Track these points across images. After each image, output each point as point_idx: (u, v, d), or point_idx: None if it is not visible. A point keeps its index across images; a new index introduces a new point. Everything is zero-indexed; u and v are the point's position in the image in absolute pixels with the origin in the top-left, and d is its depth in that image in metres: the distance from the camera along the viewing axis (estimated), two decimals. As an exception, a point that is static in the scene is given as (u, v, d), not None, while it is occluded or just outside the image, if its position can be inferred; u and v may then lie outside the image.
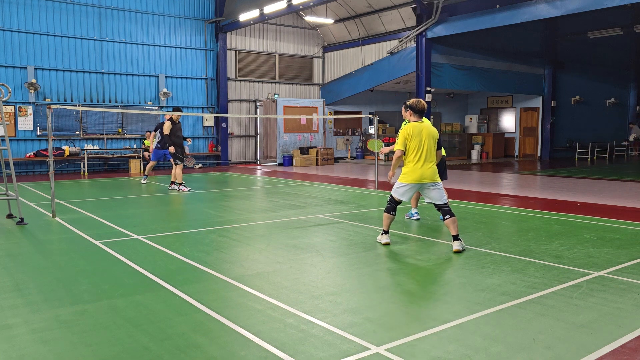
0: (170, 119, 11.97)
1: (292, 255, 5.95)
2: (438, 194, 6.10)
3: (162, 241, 6.61)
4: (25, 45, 16.59)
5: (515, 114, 24.09)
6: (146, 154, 17.91)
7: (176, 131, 11.97)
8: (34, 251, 6.30)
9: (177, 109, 12.21)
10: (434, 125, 6.65)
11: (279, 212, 8.83)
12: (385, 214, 6.31)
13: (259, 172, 17.62)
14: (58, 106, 10.29)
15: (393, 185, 6.35)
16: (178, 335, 3.63)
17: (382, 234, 6.43)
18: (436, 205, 6.16)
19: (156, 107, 19.02)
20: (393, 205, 6.29)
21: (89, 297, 4.46)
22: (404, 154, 6.14)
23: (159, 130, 13.17)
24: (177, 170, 11.94)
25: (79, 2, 17.41)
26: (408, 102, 6.28)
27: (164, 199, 10.92)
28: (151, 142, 13.78)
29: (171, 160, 12.15)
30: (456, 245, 5.97)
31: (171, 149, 11.86)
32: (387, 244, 6.32)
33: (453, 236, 6.01)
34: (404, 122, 6.61)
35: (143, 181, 13.70)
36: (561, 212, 8.87)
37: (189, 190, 11.71)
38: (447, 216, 6.00)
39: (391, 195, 6.31)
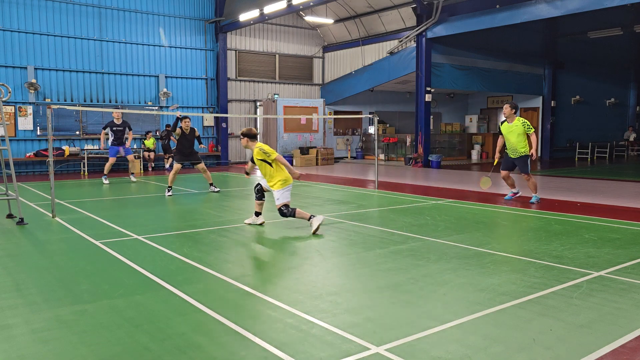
0: (180, 127, 11.66)
1: (292, 256, 5.95)
2: None
3: (162, 241, 6.61)
4: (25, 45, 16.58)
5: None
6: (146, 154, 17.93)
7: (183, 141, 11.70)
8: (34, 251, 6.30)
9: (183, 118, 11.70)
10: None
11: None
12: None
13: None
14: (58, 106, 10.27)
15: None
16: (178, 335, 3.63)
17: None
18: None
19: (156, 107, 19.01)
20: None
21: (89, 297, 4.46)
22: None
23: (108, 128, 13.62)
24: (171, 172, 11.65)
25: (79, 2, 17.41)
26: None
27: (163, 199, 10.91)
28: (102, 140, 13.93)
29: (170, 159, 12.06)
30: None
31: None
32: None
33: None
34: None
35: (105, 181, 13.58)
36: (561, 212, 8.86)
37: (169, 195, 11.31)
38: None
39: None
